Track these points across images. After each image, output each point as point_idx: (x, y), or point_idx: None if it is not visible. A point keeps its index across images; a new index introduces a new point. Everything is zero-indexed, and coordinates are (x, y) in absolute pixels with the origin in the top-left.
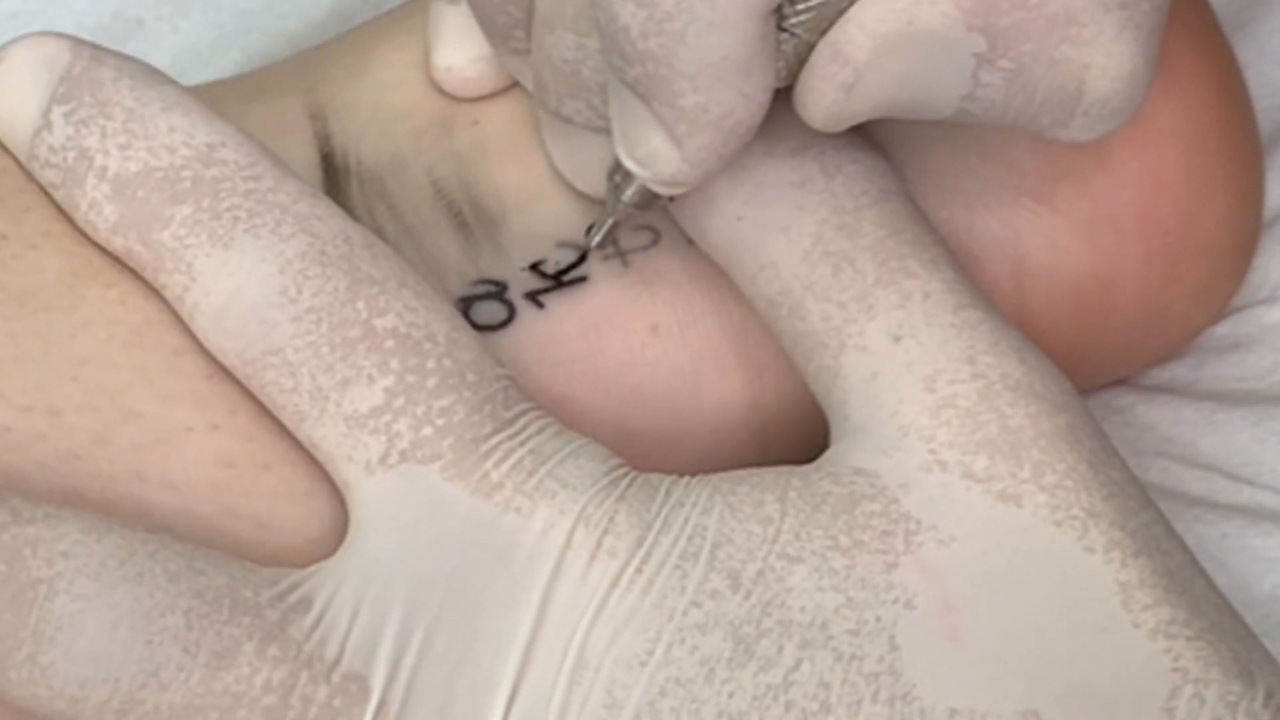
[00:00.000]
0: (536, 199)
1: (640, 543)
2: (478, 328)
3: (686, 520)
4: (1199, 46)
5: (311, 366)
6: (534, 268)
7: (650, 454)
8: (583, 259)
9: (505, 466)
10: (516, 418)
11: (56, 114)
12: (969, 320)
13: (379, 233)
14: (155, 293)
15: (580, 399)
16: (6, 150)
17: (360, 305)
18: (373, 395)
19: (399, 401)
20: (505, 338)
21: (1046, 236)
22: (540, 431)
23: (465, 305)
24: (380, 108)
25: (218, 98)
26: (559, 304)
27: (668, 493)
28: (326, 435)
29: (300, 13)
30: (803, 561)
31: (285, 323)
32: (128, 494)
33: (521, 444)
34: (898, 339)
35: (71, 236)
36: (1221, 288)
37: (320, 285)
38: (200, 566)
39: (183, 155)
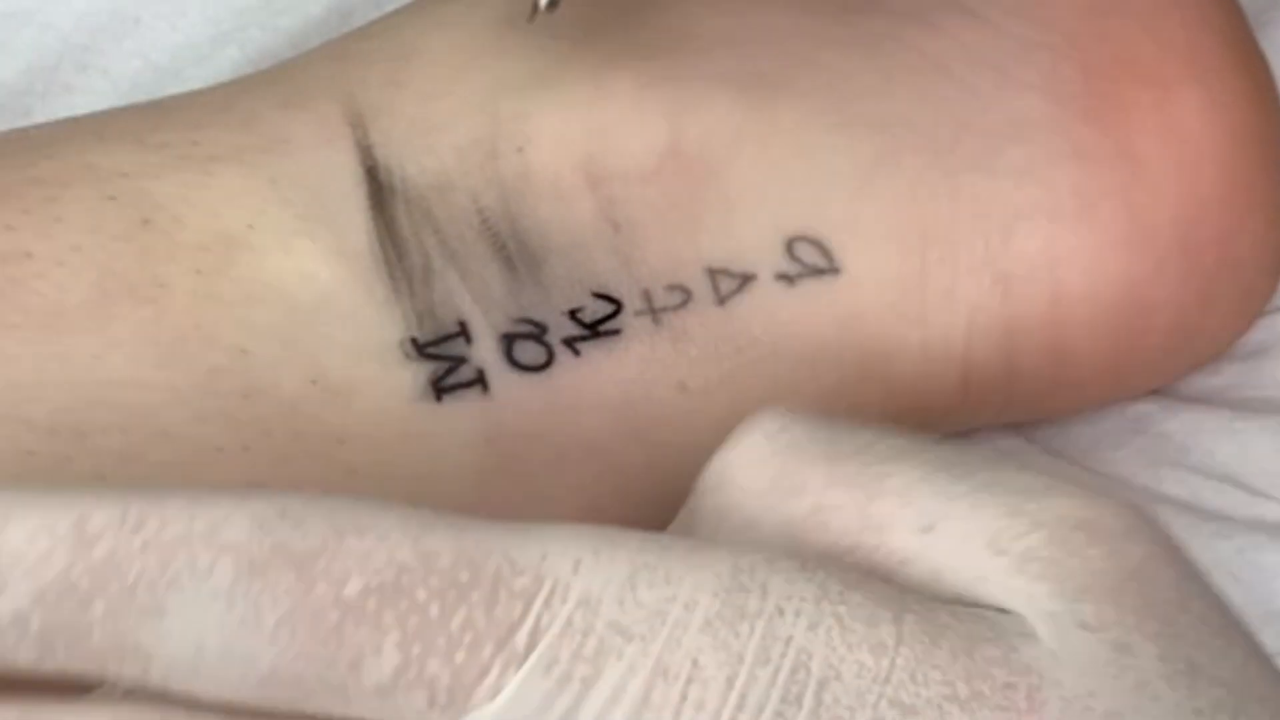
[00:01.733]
0: (577, 245)
1: (731, 684)
2: (519, 367)
3: (788, 641)
4: (1239, 64)
5: (314, 671)
6: (572, 315)
7: (678, 506)
8: (617, 311)
9: (551, 637)
10: (537, 581)
11: None
12: (980, 482)
13: (424, 258)
14: (198, 306)
15: (614, 449)
16: (47, 154)
17: (320, 587)
18: (388, 658)
19: (416, 648)
20: (544, 381)
21: (1085, 257)
22: (574, 572)
23: (508, 342)
24: (419, 120)
25: (254, 105)
26: (594, 353)
27: (763, 589)
28: (362, 716)
29: (298, 9)
30: (918, 715)
31: (263, 648)
32: None
33: (561, 603)
34: (929, 529)
35: (104, 249)
36: (1253, 306)
37: (273, 594)
38: None
39: (62, 559)
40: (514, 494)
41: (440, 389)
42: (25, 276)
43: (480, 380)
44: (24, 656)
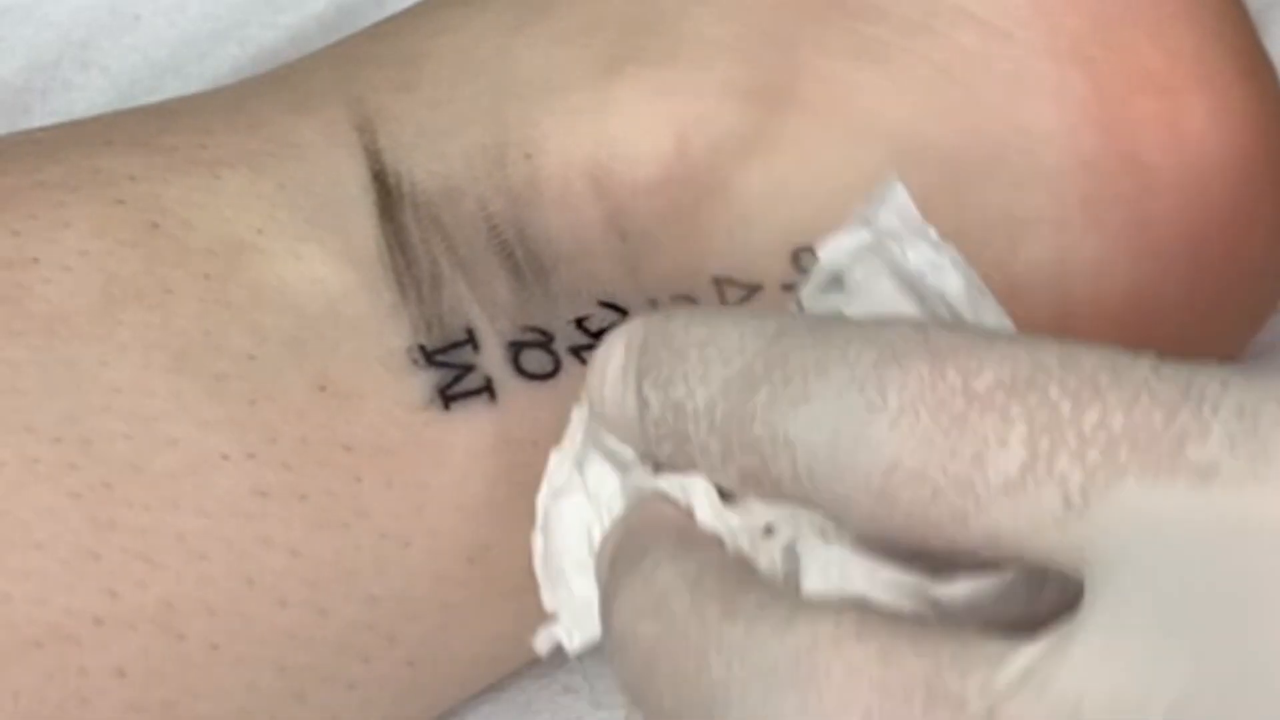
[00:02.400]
0: (584, 254)
1: None
2: (526, 375)
3: None
4: (1248, 74)
5: (936, 462)
6: (579, 323)
7: None
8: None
9: (1210, 444)
10: (1183, 392)
11: (647, 389)
12: None
13: (433, 264)
14: (206, 311)
15: None
16: (54, 158)
17: (950, 373)
18: (1014, 452)
19: (1045, 443)
20: (551, 389)
21: (1092, 267)
22: (1223, 390)
23: (515, 350)
24: (427, 125)
25: (261, 108)
26: None
27: None
28: (997, 519)
29: (297, 6)
30: None
31: (885, 434)
32: (161, 521)
33: (1212, 414)
34: None
35: (111, 254)
36: (1260, 313)
37: (903, 379)
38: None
39: (752, 348)
40: (520, 502)
41: (448, 397)
42: (31, 282)
43: (488, 388)
44: (709, 446)
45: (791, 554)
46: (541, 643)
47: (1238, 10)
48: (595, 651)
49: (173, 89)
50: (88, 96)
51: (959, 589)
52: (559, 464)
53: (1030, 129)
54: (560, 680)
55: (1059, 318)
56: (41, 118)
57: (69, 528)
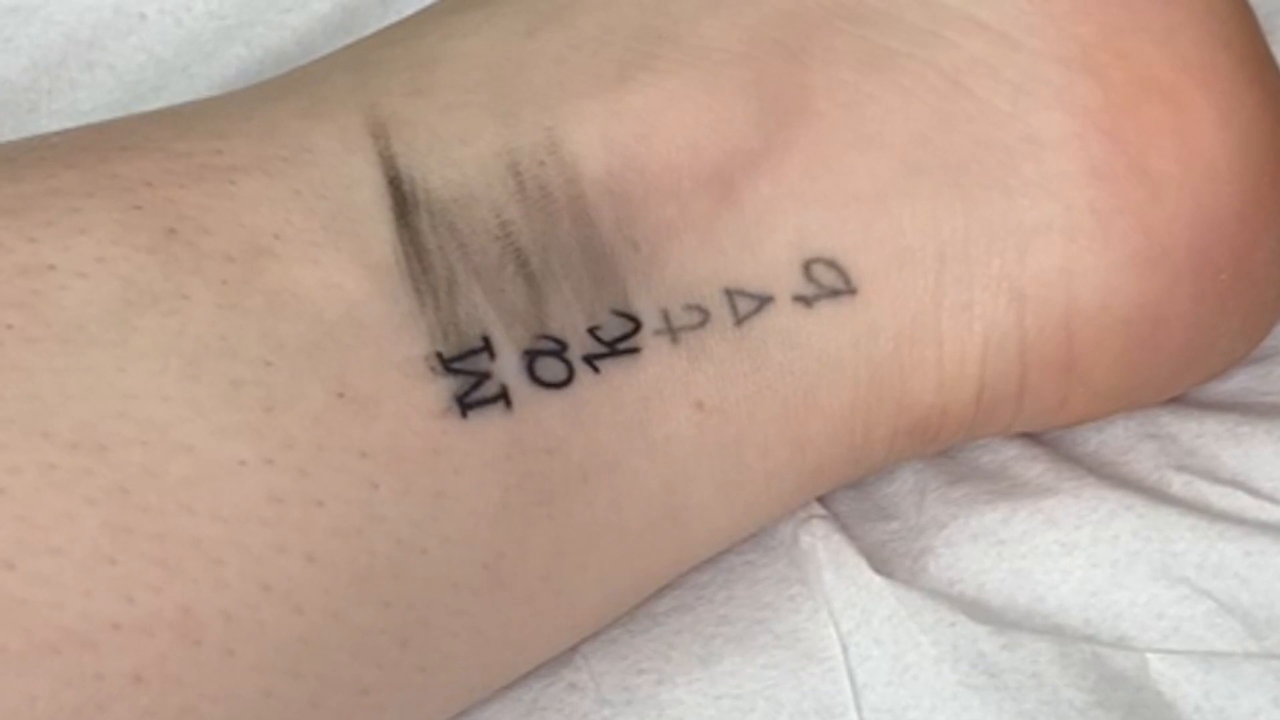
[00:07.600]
0: (598, 262)
1: None
2: (540, 383)
3: None
4: (1255, 81)
5: None
6: (592, 332)
7: (693, 520)
8: (636, 330)
9: None
10: None
11: None
12: None
13: (449, 271)
14: (222, 317)
15: (630, 464)
16: (69, 164)
17: None
18: None
19: None
20: (565, 397)
21: (1100, 275)
22: None
23: (530, 359)
24: (440, 131)
25: (275, 114)
26: (613, 371)
27: None
28: None
29: (304, 6)
30: None
31: None
32: (178, 526)
33: None
34: None
35: (128, 260)
36: (1266, 320)
37: None
38: None
39: None
40: (534, 511)
41: (465, 405)
42: (48, 289)
43: (504, 396)
44: None
45: None
46: None
47: (1245, 17)
48: (600, 649)
49: (179, 89)
50: (94, 96)
51: None
52: None
53: (1039, 137)
54: (566, 678)
55: (1065, 326)
56: (47, 117)
57: (85, 533)
